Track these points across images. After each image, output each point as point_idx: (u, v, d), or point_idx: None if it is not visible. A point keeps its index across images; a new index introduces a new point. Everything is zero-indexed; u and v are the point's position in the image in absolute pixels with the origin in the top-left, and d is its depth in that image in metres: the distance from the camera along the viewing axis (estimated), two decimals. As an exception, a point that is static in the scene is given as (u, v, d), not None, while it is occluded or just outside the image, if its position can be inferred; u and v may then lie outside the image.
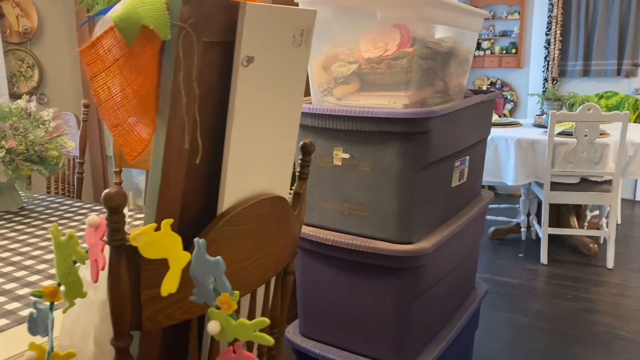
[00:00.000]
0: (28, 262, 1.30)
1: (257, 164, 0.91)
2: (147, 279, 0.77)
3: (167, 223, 0.74)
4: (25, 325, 0.84)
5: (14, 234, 1.53)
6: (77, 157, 2.12)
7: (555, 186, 3.30)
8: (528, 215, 3.84)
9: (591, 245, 3.53)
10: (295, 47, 0.91)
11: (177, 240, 0.74)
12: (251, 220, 0.90)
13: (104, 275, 0.88)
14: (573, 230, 3.51)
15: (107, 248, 0.77)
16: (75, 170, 2.12)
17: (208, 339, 0.92)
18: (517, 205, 4.06)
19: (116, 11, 0.65)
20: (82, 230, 1.56)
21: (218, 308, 0.74)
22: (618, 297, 2.92)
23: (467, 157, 1.81)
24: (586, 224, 3.82)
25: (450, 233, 1.65)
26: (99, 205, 1.84)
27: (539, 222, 3.76)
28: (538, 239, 3.80)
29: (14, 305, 1.08)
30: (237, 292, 0.72)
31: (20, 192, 1.89)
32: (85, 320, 0.95)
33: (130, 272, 0.76)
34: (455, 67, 1.73)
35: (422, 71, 1.50)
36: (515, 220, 3.96)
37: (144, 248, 0.74)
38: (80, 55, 0.64)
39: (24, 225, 1.61)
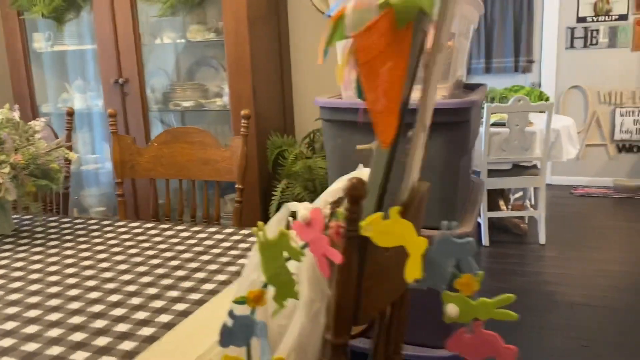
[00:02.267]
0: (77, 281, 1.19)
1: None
2: (369, 270, 0.76)
3: (395, 210, 0.73)
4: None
5: (39, 256, 1.38)
6: (61, 170, 1.92)
7: (490, 173, 3.57)
8: (461, 202, 4.12)
9: (522, 225, 3.88)
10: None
11: (410, 226, 0.74)
12: (418, 206, 0.92)
13: (303, 272, 0.85)
14: (511, 212, 3.83)
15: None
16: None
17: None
18: (447, 195, 4.33)
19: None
20: (103, 245, 1.44)
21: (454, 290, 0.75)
22: (559, 268, 3.25)
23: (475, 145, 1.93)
24: (510, 206, 4.18)
25: (476, 214, 1.75)
26: (107, 220, 1.69)
27: (472, 208, 4.04)
28: (473, 224, 4.08)
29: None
30: (481, 272, 0.74)
31: (12, 215, 1.68)
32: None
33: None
34: (462, 61, 1.84)
35: (456, 64, 1.59)
36: (449, 208, 4.22)
37: (377, 237, 0.73)
38: (353, 39, 0.62)
39: (42, 247, 1.45)
